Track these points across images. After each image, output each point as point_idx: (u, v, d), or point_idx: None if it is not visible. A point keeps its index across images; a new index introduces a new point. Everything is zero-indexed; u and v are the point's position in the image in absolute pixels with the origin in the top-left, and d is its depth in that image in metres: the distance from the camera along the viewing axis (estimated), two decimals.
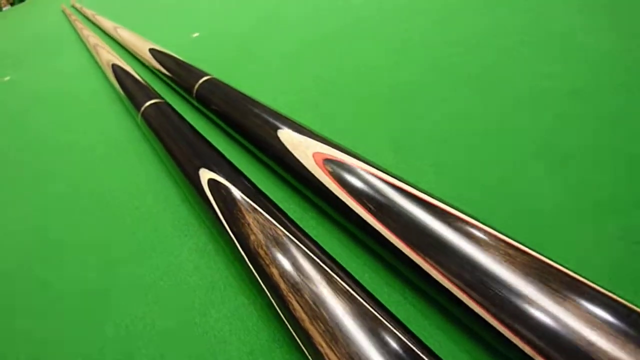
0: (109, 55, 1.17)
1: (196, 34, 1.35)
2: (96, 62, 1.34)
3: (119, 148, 0.81)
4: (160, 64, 1.00)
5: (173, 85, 0.92)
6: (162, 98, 0.80)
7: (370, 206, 0.41)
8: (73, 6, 2.86)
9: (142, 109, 0.77)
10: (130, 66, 1.05)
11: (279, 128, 0.57)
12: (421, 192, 0.40)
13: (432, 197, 0.39)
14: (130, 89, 0.88)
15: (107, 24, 1.64)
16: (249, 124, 0.62)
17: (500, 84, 0.64)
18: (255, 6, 1.45)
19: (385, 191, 0.41)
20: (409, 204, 0.39)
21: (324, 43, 0.98)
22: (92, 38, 1.45)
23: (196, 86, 0.80)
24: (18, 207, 0.76)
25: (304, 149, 0.51)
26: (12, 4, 4.88)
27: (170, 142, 0.63)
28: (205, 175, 0.52)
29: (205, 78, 0.79)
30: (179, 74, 0.90)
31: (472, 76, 0.68)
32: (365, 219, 0.42)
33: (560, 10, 0.78)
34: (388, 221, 0.39)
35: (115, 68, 1.05)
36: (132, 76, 0.94)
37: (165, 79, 0.98)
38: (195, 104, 0.81)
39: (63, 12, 2.74)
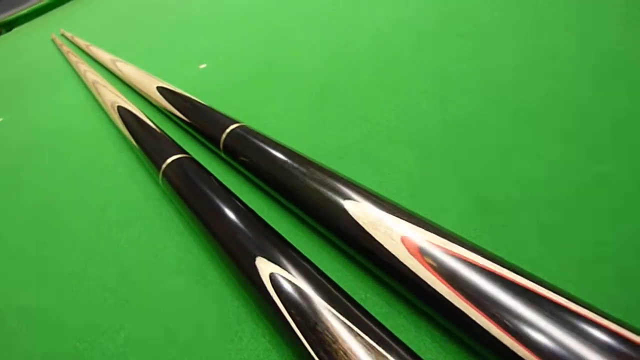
0: (112, 95, 1.07)
1: (203, 65, 1.25)
2: (96, 100, 1.23)
3: (136, 210, 0.70)
4: (173, 105, 0.90)
5: (191, 130, 0.82)
6: (186, 152, 0.70)
7: (507, 324, 0.31)
8: (63, 35, 2.76)
9: (164, 166, 0.66)
10: (139, 108, 0.95)
11: (345, 197, 0.47)
12: (586, 308, 0.30)
13: (606, 318, 0.29)
14: (144, 140, 0.77)
15: (104, 56, 1.54)
16: (302, 190, 0.51)
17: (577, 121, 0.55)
18: (265, 31, 1.35)
19: (527, 305, 0.31)
20: (572, 325, 0.29)
21: (350, 72, 0.89)
22: (90, 74, 1.34)
23: (223, 136, 0.70)
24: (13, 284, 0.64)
25: (387, 231, 0.41)
26: None
27: (208, 217, 0.52)
28: (265, 267, 0.42)
29: (233, 126, 0.69)
30: (198, 118, 0.80)
31: (531, 111, 0.59)
32: (500, 339, 0.31)
33: (606, 27, 0.69)
34: (542, 350, 0.29)
35: (122, 111, 0.95)
36: (144, 122, 0.83)
37: (179, 122, 0.88)
38: (224, 156, 0.70)
39: (53, 41, 2.64)
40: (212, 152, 0.76)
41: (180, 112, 0.86)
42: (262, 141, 0.63)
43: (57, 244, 0.70)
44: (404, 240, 0.40)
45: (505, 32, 0.80)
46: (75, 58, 1.70)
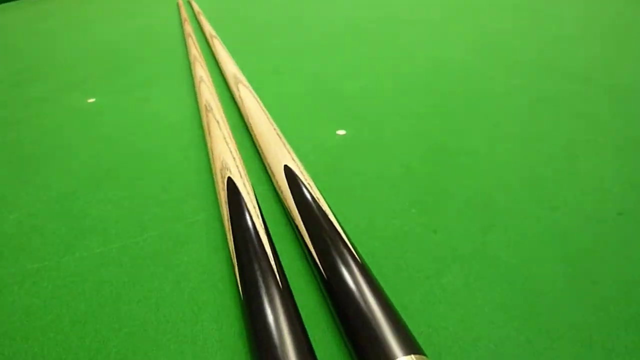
0: (224, 147, 0.80)
1: (342, 132, 0.96)
2: (205, 132, 0.97)
3: None
4: (305, 226, 0.61)
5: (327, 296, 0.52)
6: None
7: None
8: (190, 4, 2.59)
9: None
10: (258, 202, 0.67)
11: None
12: None
13: None
14: (260, 311, 0.48)
15: (228, 65, 1.29)
16: None
17: None
18: (449, 92, 1.04)
19: None
20: None
21: None
22: (206, 90, 1.09)
23: None
24: None
25: None
26: None
27: None
28: None
29: None
30: (344, 296, 0.49)
31: None
32: None
33: None
34: None
35: (232, 196, 0.67)
36: (268, 265, 0.54)
37: (310, 261, 0.59)
38: None
39: (178, 9, 2.47)
40: None
41: (318, 256, 0.56)
42: None
43: None
44: None
45: None
46: (195, 50, 1.47)
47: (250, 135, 0.94)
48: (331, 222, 0.61)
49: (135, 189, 0.81)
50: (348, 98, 1.12)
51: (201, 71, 1.24)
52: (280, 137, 0.84)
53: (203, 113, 1.00)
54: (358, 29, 1.80)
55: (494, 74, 1.22)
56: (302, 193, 0.68)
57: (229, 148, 0.81)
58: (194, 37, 1.67)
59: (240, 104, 1.04)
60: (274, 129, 0.88)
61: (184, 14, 2.16)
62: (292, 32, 1.76)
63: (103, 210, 0.76)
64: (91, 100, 1.23)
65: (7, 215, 0.77)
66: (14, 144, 1.01)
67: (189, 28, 1.83)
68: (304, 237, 0.61)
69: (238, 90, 1.10)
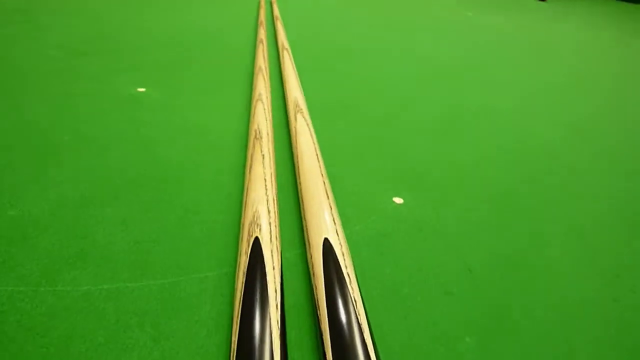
0: (261, 198, 0.68)
1: (399, 200, 0.81)
2: (246, 165, 0.85)
3: None
4: (332, 340, 0.47)
5: None
6: None
7: None
8: (271, 4, 2.53)
9: None
10: (282, 307, 0.54)
11: None
12: None
13: None
14: None
15: (292, 90, 1.18)
16: None
17: None
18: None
19: None
20: None
21: None
22: (262, 115, 0.98)
23: None
24: None
25: None
26: None
27: None
28: None
29: None
30: None
31: None
32: None
33: None
34: None
35: (254, 263, 0.55)
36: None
37: None
38: None
39: (258, 7, 2.41)
40: None
41: None
42: None
43: None
44: None
45: None
46: (262, 61, 1.37)
47: (295, 179, 0.81)
48: (364, 342, 0.47)
49: (152, 213, 0.70)
50: (417, 161, 0.97)
51: (262, 87, 1.13)
52: (328, 197, 0.71)
53: (251, 139, 0.88)
54: (440, 76, 1.66)
55: (585, 167, 1.04)
56: (339, 284, 0.54)
57: (267, 196, 0.68)
58: (265, 44, 1.58)
59: (293, 138, 0.92)
60: (324, 182, 0.75)
61: (262, 16, 2.08)
62: (370, 62, 1.63)
63: (109, 233, 0.65)
64: (141, 89, 1.15)
65: (7, 211, 0.67)
66: (46, 124, 0.93)
67: (262, 33, 1.75)
68: (326, 352, 0.47)
69: (295, 120, 0.98)
